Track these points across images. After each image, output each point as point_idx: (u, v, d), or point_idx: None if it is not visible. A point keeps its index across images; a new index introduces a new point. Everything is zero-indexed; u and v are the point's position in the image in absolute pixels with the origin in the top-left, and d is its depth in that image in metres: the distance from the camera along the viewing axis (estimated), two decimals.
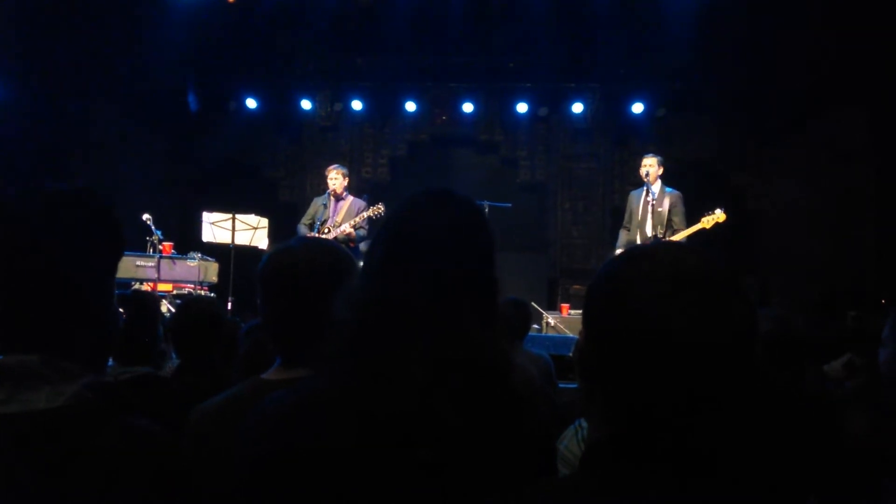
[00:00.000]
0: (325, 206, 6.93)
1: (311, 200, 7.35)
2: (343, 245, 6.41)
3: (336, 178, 6.92)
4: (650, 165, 6.67)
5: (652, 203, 6.62)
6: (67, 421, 0.99)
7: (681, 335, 0.80)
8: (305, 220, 7.03)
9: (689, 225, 6.50)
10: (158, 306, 2.57)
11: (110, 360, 2.28)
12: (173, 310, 6.11)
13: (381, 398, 1.03)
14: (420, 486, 1.01)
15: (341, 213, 6.89)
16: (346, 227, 6.71)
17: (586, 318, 0.92)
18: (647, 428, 0.83)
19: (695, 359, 0.80)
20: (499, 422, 1.06)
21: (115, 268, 1.16)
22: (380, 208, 6.61)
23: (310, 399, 1.11)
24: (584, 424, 2.03)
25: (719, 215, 6.41)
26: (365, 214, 6.71)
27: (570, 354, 5.55)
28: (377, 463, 1.01)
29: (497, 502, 0.86)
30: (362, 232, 6.78)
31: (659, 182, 6.74)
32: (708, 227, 6.41)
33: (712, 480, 0.81)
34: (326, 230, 6.71)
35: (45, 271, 1.03)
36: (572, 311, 7.71)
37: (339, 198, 6.96)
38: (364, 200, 7.05)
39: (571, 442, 1.94)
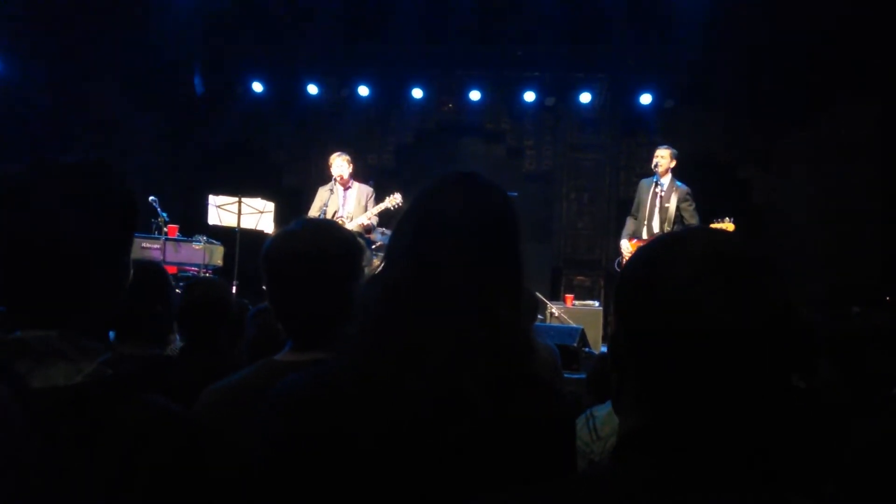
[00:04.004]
0: (332, 192, 6.80)
1: (316, 186, 7.25)
2: (357, 236, 6.41)
3: (342, 166, 6.75)
4: (662, 157, 6.60)
5: (660, 196, 6.58)
6: (87, 397, 0.99)
7: (711, 320, 0.78)
8: (313, 212, 6.80)
9: (700, 222, 6.43)
10: (165, 281, 2.53)
11: (111, 334, 2.24)
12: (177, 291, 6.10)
13: (407, 377, 1.03)
14: (446, 465, 1.01)
15: (352, 203, 6.76)
16: (364, 220, 6.60)
17: (617, 304, 0.90)
18: (678, 418, 0.81)
19: (726, 344, 0.77)
20: (522, 402, 1.06)
21: (129, 242, 1.14)
22: (397, 199, 6.51)
23: (335, 378, 1.11)
24: (596, 414, 2.04)
25: (728, 225, 6.25)
26: (381, 206, 6.59)
27: (575, 345, 5.56)
28: (403, 441, 1.01)
29: (530, 493, 0.84)
30: (375, 220, 6.71)
31: (669, 175, 6.69)
32: None
33: (747, 473, 0.79)
34: (340, 222, 6.55)
35: (59, 246, 1.02)
36: (576, 302, 7.71)
37: (346, 186, 6.82)
38: (370, 186, 6.97)
39: (582, 431, 1.95)
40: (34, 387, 0.96)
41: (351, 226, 6.54)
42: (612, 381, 0.92)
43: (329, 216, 6.62)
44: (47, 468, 0.95)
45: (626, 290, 0.87)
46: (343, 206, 6.78)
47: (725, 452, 0.80)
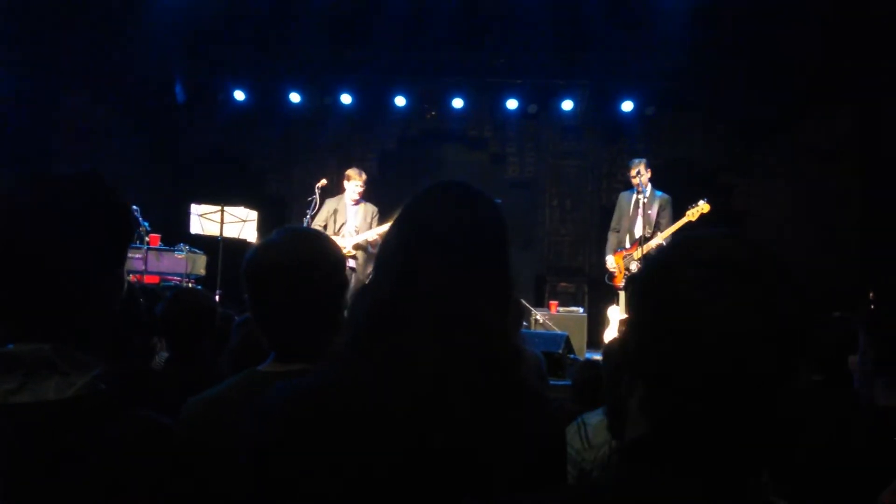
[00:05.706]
0: (338, 210, 6.94)
1: (300, 194, 7.29)
2: (361, 249, 6.64)
3: (359, 185, 6.90)
4: (640, 173, 6.63)
5: (643, 204, 6.62)
6: (79, 411, 0.98)
7: (719, 325, 0.77)
8: (319, 222, 6.93)
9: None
10: (137, 297, 2.51)
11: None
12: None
13: (393, 385, 1.02)
14: (434, 473, 1.00)
15: (360, 218, 6.93)
16: (372, 236, 6.74)
17: (630, 306, 0.90)
18: (683, 424, 0.80)
19: (732, 352, 0.77)
20: (510, 412, 1.05)
21: (123, 255, 1.14)
22: None
23: (321, 389, 1.09)
24: (588, 422, 2.04)
25: (703, 206, 6.37)
26: (387, 225, 6.57)
27: (560, 351, 5.57)
28: (388, 449, 1.01)
29: (538, 502, 0.84)
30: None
31: (650, 185, 6.74)
32: (694, 219, 6.38)
33: (748, 483, 0.79)
34: (342, 235, 6.75)
35: (52, 259, 1.01)
36: (561, 309, 7.72)
37: (356, 202, 6.98)
38: (376, 206, 7.06)
39: (574, 439, 1.95)
40: (24, 401, 0.95)
41: (358, 238, 6.76)
42: (620, 388, 0.91)
43: (338, 227, 6.85)
44: (34, 484, 0.94)
45: (636, 292, 0.88)
46: (352, 221, 6.95)
47: (727, 462, 0.80)
